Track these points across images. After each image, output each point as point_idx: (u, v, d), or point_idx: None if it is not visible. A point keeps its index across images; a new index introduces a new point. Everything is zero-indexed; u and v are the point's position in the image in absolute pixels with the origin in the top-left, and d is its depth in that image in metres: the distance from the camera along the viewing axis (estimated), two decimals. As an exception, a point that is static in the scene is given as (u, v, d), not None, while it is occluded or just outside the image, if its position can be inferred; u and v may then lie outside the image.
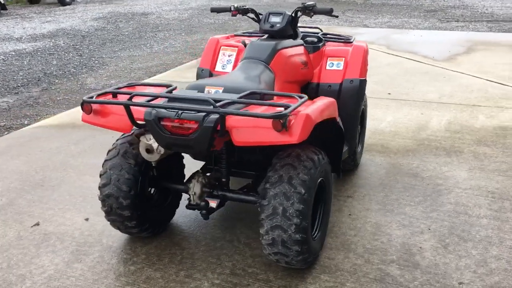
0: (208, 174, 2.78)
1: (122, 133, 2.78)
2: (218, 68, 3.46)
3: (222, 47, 3.49)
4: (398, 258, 2.64)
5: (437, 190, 3.34)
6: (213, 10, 3.55)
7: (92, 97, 2.41)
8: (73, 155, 4.05)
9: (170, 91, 2.54)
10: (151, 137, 2.43)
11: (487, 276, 2.48)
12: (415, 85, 5.80)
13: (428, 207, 3.13)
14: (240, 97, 2.33)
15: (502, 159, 3.78)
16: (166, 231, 2.93)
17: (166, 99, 2.40)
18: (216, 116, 2.21)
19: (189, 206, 2.71)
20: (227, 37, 3.63)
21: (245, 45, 3.28)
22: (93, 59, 7.82)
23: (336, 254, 2.67)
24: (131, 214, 2.62)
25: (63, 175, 3.69)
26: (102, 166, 2.66)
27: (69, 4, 14.77)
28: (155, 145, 2.43)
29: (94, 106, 2.43)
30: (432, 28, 9.96)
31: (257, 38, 3.41)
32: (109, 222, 2.76)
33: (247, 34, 3.72)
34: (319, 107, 2.31)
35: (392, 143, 4.14)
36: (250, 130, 2.19)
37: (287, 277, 2.51)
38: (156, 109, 2.29)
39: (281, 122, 2.09)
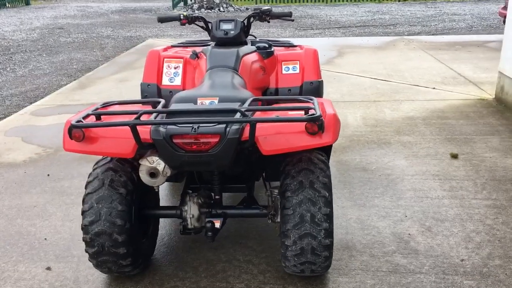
0: (195, 193, 2.54)
1: (98, 161, 2.42)
2: (165, 81, 3.22)
3: (165, 59, 3.25)
4: (397, 247, 2.72)
5: (391, 179, 3.53)
6: (161, 20, 3.31)
7: (79, 122, 2.06)
8: (-13, 198, 3.42)
9: (165, 106, 2.29)
10: (155, 159, 2.16)
11: (478, 249, 2.69)
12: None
13: (393, 196, 3.29)
14: (249, 105, 2.21)
15: (426, 145, 4.14)
16: (151, 265, 2.62)
17: (164, 115, 2.16)
18: (237, 126, 2.05)
19: (186, 231, 2.46)
20: (165, 49, 3.40)
21: (196, 54, 3.10)
22: None
23: (341, 255, 2.66)
24: (127, 250, 2.29)
25: (-13, 223, 3.09)
26: (84, 202, 2.28)
27: None
28: (160, 167, 2.16)
29: (88, 131, 2.08)
30: (294, 36, 10.55)
31: (201, 47, 3.26)
32: (93, 264, 2.37)
33: (188, 43, 3.52)
34: (332, 107, 2.28)
35: (324, 142, 4.27)
36: (280, 136, 2.07)
37: (308, 285, 2.42)
38: (167, 126, 2.05)
39: (317, 125, 2.01)
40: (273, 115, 2.18)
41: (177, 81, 3.20)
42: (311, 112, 2.08)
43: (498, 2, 16.35)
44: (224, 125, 2.04)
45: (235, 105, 2.22)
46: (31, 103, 5.78)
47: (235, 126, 2.04)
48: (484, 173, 3.58)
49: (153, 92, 3.20)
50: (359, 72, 6.75)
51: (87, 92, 6.14)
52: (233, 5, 16.74)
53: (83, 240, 2.28)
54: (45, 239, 2.89)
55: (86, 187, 2.32)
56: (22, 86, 6.72)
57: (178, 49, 3.45)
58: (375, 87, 6.01)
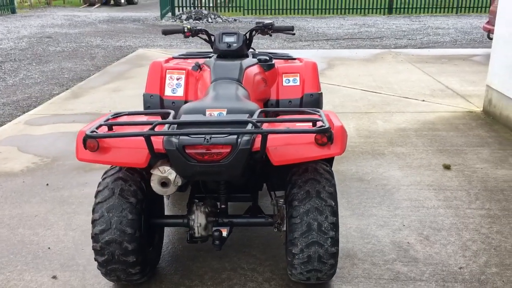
0: (201, 203, 2.59)
1: (107, 170, 2.45)
2: (168, 92, 3.28)
3: (167, 70, 3.31)
4: (397, 256, 2.79)
5: (387, 190, 3.62)
6: (165, 32, 3.37)
7: (93, 132, 2.10)
8: (-14, 208, 3.41)
9: (174, 117, 2.35)
10: (166, 168, 2.21)
11: (475, 257, 2.78)
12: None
13: (390, 206, 3.37)
14: (257, 116, 2.27)
15: (419, 156, 4.24)
16: (157, 273, 2.66)
17: (175, 126, 2.21)
18: (248, 137, 2.11)
19: (193, 240, 2.51)
20: (167, 61, 3.46)
21: (199, 66, 3.16)
22: None
23: (343, 263, 2.72)
24: (136, 259, 2.33)
25: (-11, 232, 3.09)
26: (94, 211, 2.31)
27: None
28: (171, 177, 2.21)
29: (101, 142, 2.12)
30: (284, 48, 10.67)
31: (203, 59, 3.32)
32: (102, 273, 2.40)
33: (188, 55, 3.58)
34: (338, 119, 2.36)
35: (319, 153, 4.35)
36: (290, 147, 2.14)
37: (313, 293, 2.48)
38: (179, 137, 2.10)
39: (326, 136, 2.09)
40: (282, 126, 2.25)
41: (180, 92, 3.25)
42: (319, 124, 2.16)
43: (480, 17, 16.75)
44: (235, 136, 2.10)
45: (245, 117, 2.28)
46: (24, 113, 5.77)
47: (246, 137, 2.10)
48: (476, 184, 3.69)
49: (156, 103, 3.25)
50: (350, 84, 6.87)
51: (80, 101, 6.15)
52: (221, 16, 16.85)
53: (93, 249, 2.31)
54: (49, 248, 2.90)
55: (96, 196, 2.35)
56: (13, 95, 6.69)
57: (179, 61, 3.51)
58: (366, 98, 6.12)
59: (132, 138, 2.14)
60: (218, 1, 20.02)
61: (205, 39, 3.40)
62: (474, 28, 13.77)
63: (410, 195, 3.52)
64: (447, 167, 3.98)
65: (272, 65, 3.31)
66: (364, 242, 2.93)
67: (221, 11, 18.89)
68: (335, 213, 2.29)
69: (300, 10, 18.30)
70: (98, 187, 2.39)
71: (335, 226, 2.28)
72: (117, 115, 2.39)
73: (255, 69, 3.11)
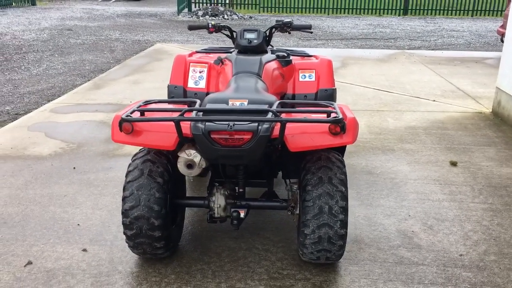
0: (221, 186, 2.80)
1: (136, 153, 2.67)
2: (191, 84, 3.49)
3: (191, 63, 3.52)
4: (402, 242, 2.99)
5: (395, 183, 3.80)
6: (191, 28, 3.58)
7: (129, 116, 2.32)
8: (19, 187, 3.65)
9: (200, 105, 2.56)
10: (192, 152, 2.43)
11: (475, 246, 2.96)
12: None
13: (397, 198, 3.56)
14: (277, 107, 2.47)
15: (427, 153, 4.42)
16: (178, 250, 2.88)
17: (200, 114, 2.42)
18: (267, 125, 2.31)
19: (212, 219, 2.72)
20: (190, 55, 3.67)
21: (221, 60, 3.37)
22: (-38, 84, 6.94)
23: (351, 247, 2.92)
24: (161, 234, 2.55)
25: (22, 209, 3.32)
26: (124, 189, 2.53)
27: None
28: (196, 159, 2.42)
29: (135, 125, 2.34)
30: (298, 46, 10.86)
31: (224, 54, 3.53)
32: (130, 246, 2.62)
33: (210, 50, 3.80)
34: (351, 111, 2.55)
35: (331, 147, 4.55)
36: (305, 135, 2.34)
37: (322, 272, 2.68)
38: (205, 123, 2.31)
39: (340, 126, 2.29)
40: (298, 117, 2.45)
41: (202, 84, 3.47)
42: (333, 115, 2.36)
43: (495, 20, 16.78)
44: (256, 124, 2.31)
45: (265, 107, 2.49)
46: (49, 101, 6.03)
47: (265, 125, 2.31)
48: (481, 180, 3.86)
49: (180, 94, 3.47)
50: (363, 83, 7.05)
51: (102, 92, 6.40)
52: (237, 13, 17.06)
53: (123, 223, 2.53)
54: (78, 224, 3.14)
55: (126, 176, 2.57)
56: (38, 84, 6.96)
57: (201, 55, 3.72)
58: (378, 97, 6.30)
59: (163, 122, 2.35)
60: (235, -2, 20.23)
61: (227, 35, 3.61)
62: (488, 32, 13.83)
63: (416, 188, 3.70)
64: (453, 163, 4.16)
65: (290, 61, 3.51)
66: (371, 229, 3.13)
67: (237, 8, 19.10)
68: (345, 198, 2.49)
69: (315, 9, 18.45)
70: (128, 167, 2.61)
71: (344, 210, 2.48)
72: (148, 102, 2.61)
73: (273, 65, 3.31)
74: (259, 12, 18.40)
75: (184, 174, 2.49)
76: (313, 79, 3.52)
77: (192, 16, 16.66)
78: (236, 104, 2.58)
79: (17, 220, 3.18)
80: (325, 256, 2.58)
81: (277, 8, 18.62)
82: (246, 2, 19.21)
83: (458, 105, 5.96)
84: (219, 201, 2.68)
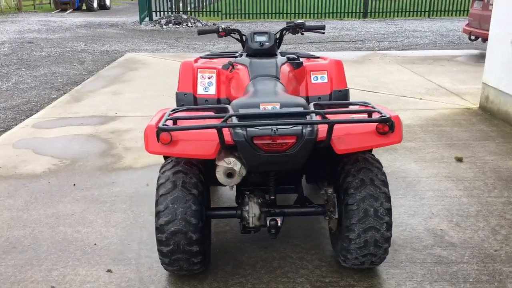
0: (252, 195, 2.67)
1: (164, 164, 2.51)
2: (200, 91, 3.34)
3: (198, 69, 3.38)
4: (434, 241, 2.94)
5: (408, 181, 3.78)
6: (201, 32, 3.44)
7: (167, 126, 2.17)
8: (20, 209, 3.40)
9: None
10: (232, 160, 2.30)
11: (507, 240, 2.95)
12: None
13: (416, 196, 3.53)
14: (314, 109, 2.38)
15: (430, 150, 4.43)
16: (210, 264, 2.73)
17: (236, 119, 2.29)
18: (311, 128, 2.21)
19: (246, 230, 2.60)
20: (195, 60, 3.53)
21: (231, 64, 3.25)
22: None
23: (386, 249, 2.85)
24: (199, 248, 2.40)
25: (29, 232, 3.08)
26: (157, 204, 2.37)
27: None
28: (237, 167, 2.29)
29: (175, 135, 2.19)
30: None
31: (232, 58, 3.41)
32: (165, 263, 2.45)
33: (214, 55, 3.66)
34: (392, 110, 2.49)
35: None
36: (352, 136, 2.25)
37: (365, 278, 2.59)
38: (247, 129, 2.19)
39: (388, 125, 2.21)
40: (341, 117, 2.36)
41: (212, 91, 3.33)
42: (375, 114, 2.28)
43: (452, 20, 17.33)
44: (300, 127, 2.20)
45: (301, 109, 2.38)
46: (27, 116, 5.72)
47: (309, 128, 2.21)
48: (490, 174, 3.89)
49: (190, 101, 3.31)
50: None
51: (83, 105, 6.13)
52: (200, 20, 16.92)
53: (157, 239, 2.36)
54: (95, 244, 2.93)
55: (158, 189, 2.41)
56: (11, 99, 6.61)
57: (206, 60, 3.59)
58: (365, 98, 6.30)
59: (201, 130, 2.21)
60: (195, 6, 20.08)
61: (236, 38, 3.50)
62: (449, 31, 14.25)
63: (431, 186, 3.69)
64: (459, 159, 4.18)
65: (301, 63, 3.41)
66: (400, 230, 3.07)
67: (199, 15, 18.95)
68: (388, 199, 2.42)
69: (276, 15, 18.53)
70: (158, 180, 2.44)
71: (389, 211, 2.41)
72: (176, 110, 2.46)
73: (287, 67, 3.22)
74: (222, 19, 18.31)
75: (224, 184, 2.35)
76: (326, 80, 3.44)
77: (155, 25, 16.38)
78: (268, 108, 2.47)
79: (27, 244, 2.95)
80: (370, 261, 2.49)
81: (239, 15, 18.59)
82: (208, 9, 19.09)
83: (445, 102, 6.04)
84: (253, 210, 2.55)
